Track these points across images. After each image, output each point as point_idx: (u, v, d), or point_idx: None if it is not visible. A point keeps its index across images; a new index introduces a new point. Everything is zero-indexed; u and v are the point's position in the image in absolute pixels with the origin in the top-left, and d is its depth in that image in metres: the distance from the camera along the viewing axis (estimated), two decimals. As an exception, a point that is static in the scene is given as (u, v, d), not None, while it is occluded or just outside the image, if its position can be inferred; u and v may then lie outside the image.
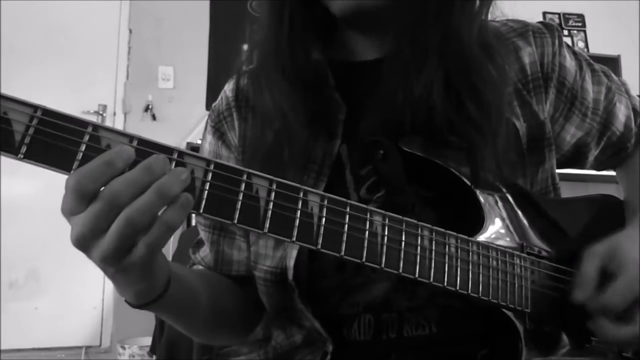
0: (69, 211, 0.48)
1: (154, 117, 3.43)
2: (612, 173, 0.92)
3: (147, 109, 3.44)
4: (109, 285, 3.17)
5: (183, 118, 3.40)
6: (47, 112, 0.47)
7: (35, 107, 0.47)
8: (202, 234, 0.83)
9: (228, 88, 0.84)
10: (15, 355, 3.01)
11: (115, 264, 0.50)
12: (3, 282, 3.08)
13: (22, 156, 0.46)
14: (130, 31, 3.52)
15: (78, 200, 0.47)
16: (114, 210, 0.47)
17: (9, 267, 3.07)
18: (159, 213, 0.49)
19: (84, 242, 0.49)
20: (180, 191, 0.48)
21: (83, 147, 0.48)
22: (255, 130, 0.77)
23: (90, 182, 0.46)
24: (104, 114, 3.36)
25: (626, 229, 0.75)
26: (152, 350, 2.09)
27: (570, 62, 0.80)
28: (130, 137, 0.50)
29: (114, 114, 3.42)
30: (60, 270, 3.14)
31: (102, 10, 3.44)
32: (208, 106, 3.44)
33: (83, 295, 3.23)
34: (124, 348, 2.80)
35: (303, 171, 0.71)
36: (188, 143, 3.22)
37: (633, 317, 0.66)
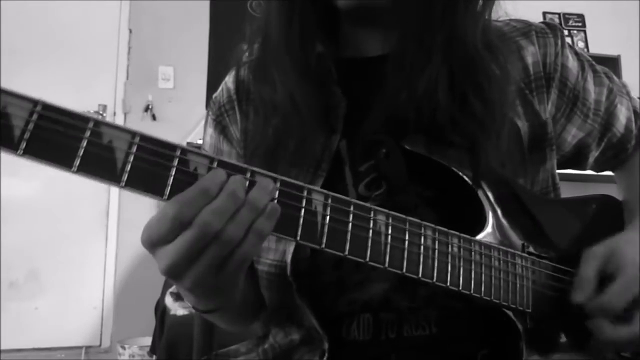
0: (161, 240, 0.49)
1: (154, 117, 3.42)
2: (612, 173, 0.92)
3: (147, 109, 3.43)
4: (109, 285, 3.20)
5: (183, 118, 3.38)
6: (47, 106, 0.46)
7: (35, 102, 0.45)
8: None
9: (229, 80, 0.84)
10: (15, 355, 3.01)
11: (206, 287, 0.52)
12: (3, 282, 3.07)
13: (21, 152, 0.45)
14: (130, 31, 3.52)
15: (176, 229, 0.48)
16: (206, 238, 0.48)
17: (9, 267, 3.06)
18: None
19: (177, 271, 0.50)
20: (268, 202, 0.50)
21: (84, 143, 0.47)
22: (256, 125, 0.77)
23: (190, 210, 0.48)
24: (104, 114, 3.35)
25: (625, 231, 0.75)
26: (152, 350, 2.09)
27: (572, 63, 0.80)
28: (133, 134, 0.48)
29: (114, 114, 3.41)
30: (60, 270, 3.14)
31: (102, 10, 3.43)
32: (208, 106, 3.43)
33: (83, 295, 3.22)
34: (124, 348, 2.80)
35: (302, 166, 0.71)
36: (188, 143, 3.21)
37: (631, 318, 0.66)
